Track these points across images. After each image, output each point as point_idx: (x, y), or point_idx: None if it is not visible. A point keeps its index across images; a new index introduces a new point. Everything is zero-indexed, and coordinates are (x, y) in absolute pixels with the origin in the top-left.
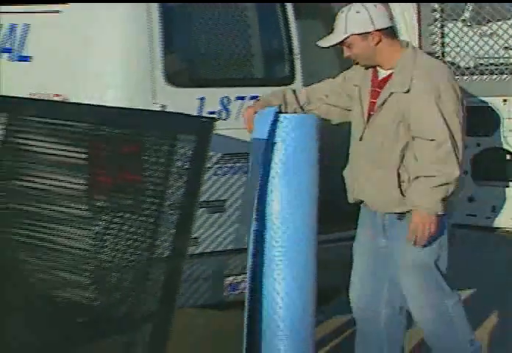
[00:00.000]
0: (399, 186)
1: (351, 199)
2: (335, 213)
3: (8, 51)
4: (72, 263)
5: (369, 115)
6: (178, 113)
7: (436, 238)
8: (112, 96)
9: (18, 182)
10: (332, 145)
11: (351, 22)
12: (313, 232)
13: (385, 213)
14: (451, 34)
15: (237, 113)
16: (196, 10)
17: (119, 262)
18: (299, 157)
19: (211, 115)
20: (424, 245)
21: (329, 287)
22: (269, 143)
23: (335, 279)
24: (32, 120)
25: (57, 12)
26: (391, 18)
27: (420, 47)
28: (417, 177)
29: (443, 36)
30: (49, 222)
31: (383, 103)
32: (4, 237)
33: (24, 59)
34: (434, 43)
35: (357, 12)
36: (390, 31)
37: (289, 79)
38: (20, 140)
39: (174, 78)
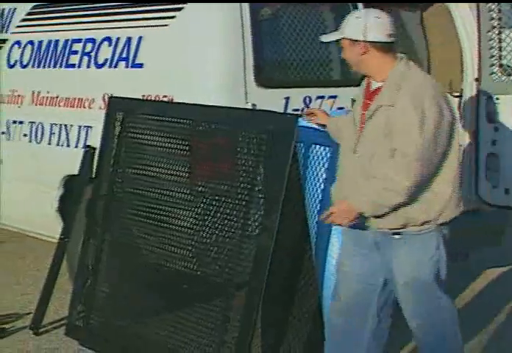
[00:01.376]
0: None
1: None
2: None
3: (125, 59)
4: (178, 239)
5: (361, 127)
6: (267, 110)
7: (433, 254)
8: (211, 97)
9: (132, 170)
10: None
11: (348, 25)
12: None
13: (377, 230)
14: (507, 40)
15: None
16: (281, 20)
17: (217, 238)
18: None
19: (295, 112)
20: (423, 263)
21: None
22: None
23: None
24: (143, 118)
25: (166, 25)
26: (392, 34)
27: (479, 51)
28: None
29: (500, 41)
30: (159, 204)
31: (371, 115)
32: (122, 216)
33: (138, 66)
34: (491, 48)
35: (357, 18)
36: (384, 46)
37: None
38: (134, 135)
39: (263, 80)
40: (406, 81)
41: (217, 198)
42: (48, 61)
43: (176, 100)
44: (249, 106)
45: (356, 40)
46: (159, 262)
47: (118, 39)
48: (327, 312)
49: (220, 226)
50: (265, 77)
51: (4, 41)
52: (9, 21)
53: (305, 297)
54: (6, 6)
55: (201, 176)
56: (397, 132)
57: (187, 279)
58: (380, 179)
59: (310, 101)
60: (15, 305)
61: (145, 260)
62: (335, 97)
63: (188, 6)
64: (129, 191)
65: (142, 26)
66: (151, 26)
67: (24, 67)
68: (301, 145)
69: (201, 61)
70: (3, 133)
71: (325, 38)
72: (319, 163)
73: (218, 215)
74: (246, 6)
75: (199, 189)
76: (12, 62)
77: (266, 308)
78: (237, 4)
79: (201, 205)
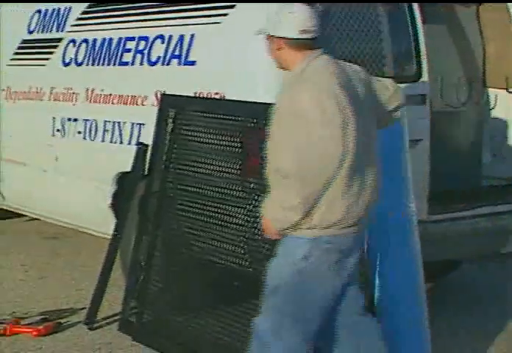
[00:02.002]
0: None
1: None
2: None
3: (177, 57)
4: (230, 236)
5: None
6: None
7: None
8: (260, 94)
9: (184, 167)
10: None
11: (268, 20)
12: (410, 210)
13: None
14: None
15: None
16: (333, 18)
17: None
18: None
19: None
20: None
21: None
22: None
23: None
24: (195, 115)
25: (218, 23)
26: (307, 30)
27: None
28: None
29: None
30: (210, 201)
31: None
32: (174, 213)
33: (190, 63)
34: None
35: (275, 13)
36: (296, 42)
37: (416, 77)
38: (186, 132)
39: None
40: (299, 82)
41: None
42: (102, 59)
43: (227, 97)
44: None
45: (272, 36)
46: (211, 259)
47: (170, 37)
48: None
49: None
50: None
51: (59, 40)
52: (65, 21)
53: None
54: (62, 5)
55: (252, 172)
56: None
57: (238, 276)
58: (275, 199)
59: None
60: (70, 300)
61: (197, 257)
62: None
63: (239, 5)
64: (181, 188)
65: (194, 24)
66: (204, 23)
67: (79, 65)
68: None
69: (251, 58)
70: (58, 130)
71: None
72: None
73: None
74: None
75: (251, 185)
76: (67, 61)
77: None
78: None
79: (253, 202)
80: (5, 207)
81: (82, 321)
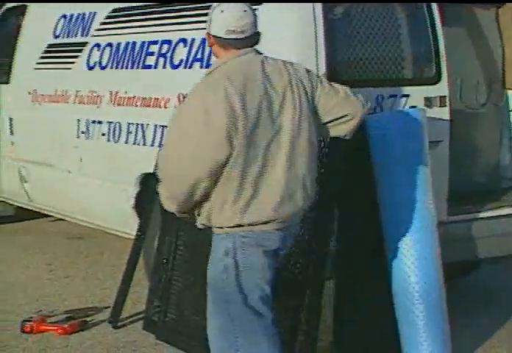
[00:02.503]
0: None
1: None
2: None
3: (199, 60)
4: None
5: None
6: None
7: (221, 259)
8: None
9: None
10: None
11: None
12: (430, 212)
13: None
14: None
15: (388, 110)
16: (354, 20)
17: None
18: (408, 147)
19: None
20: (211, 263)
21: None
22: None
23: None
24: None
25: None
26: (234, 30)
27: None
28: None
29: None
30: None
31: None
32: None
33: None
34: None
35: (211, 10)
36: (222, 41)
37: (436, 79)
38: None
39: (335, 80)
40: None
41: None
42: (125, 62)
43: None
44: None
45: (207, 33)
46: None
47: (193, 40)
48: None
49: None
50: (338, 76)
51: (84, 44)
52: (89, 25)
53: (376, 296)
54: (87, 10)
55: None
56: None
57: None
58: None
59: (383, 99)
60: (95, 299)
61: None
62: (407, 96)
63: (262, 7)
64: None
65: None
66: None
67: (103, 68)
68: None
69: None
70: (82, 132)
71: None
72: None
73: None
74: (318, 6)
75: None
76: (91, 64)
77: (339, 307)
78: (310, 5)
79: None
80: (31, 208)
81: (106, 319)
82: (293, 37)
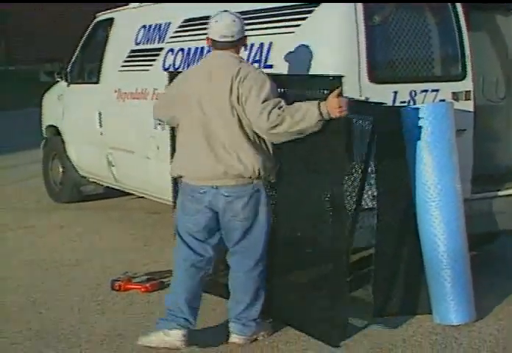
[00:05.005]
0: None
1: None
2: None
3: (258, 61)
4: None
5: None
6: (375, 102)
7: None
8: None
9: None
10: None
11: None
12: (457, 190)
13: None
14: None
15: (421, 103)
16: (391, 23)
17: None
18: (437, 135)
19: (402, 105)
20: None
21: None
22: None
23: None
24: None
25: (293, 32)
26: (225, 35)
27: None
28: None
29: None
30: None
31: None
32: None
33: (269, 66)
34: None
35: (211, 19)
36: (215, 44)
37: (462, 76)
38: None
39: (375, 77)
40: None
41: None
42: (195, 65)
43: None
44: (362, 99)
45: (207, 37)
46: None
47: (252, 44)
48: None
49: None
50: (377, 74)
51: (160, 49)
52: (165, 33)
53: (410, 261)
54: (163, 21)
55: (321, 157)
56: None
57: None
58: None
59: (415, 94)
60: (169, 264)
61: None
62: (437, 91)
63: (312, 15)
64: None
65: (272, 34)
66: (280, 33)
67: (176, 70)
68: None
69: (321, 61)
70: (159, 124)
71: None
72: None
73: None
74: (360, 11)
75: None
76: (166, 66)
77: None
78: (353, 10)
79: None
80: (117, 187)
81: None
82: (337, 41)
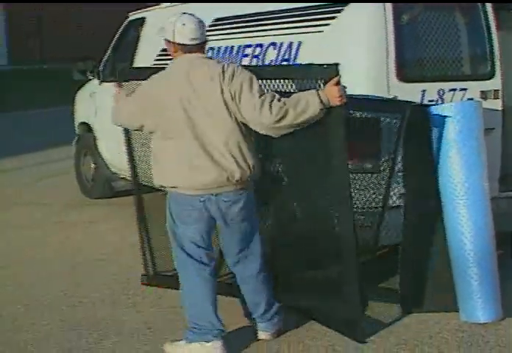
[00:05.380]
0: None
1: None
2: None
3: (287, 60)
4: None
5: None
6: (404, 100)
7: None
8: (359, 90)
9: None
10: None
11: (165, 28)
12: (484, 189)
13: None
14: None
15: (449, 102)
16: (419, 23)
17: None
18: (466, 133)
19: (431, 103)
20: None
21: None
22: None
23: None
24: None
25: (322, 31)
26: (194, 38)
27: None
28: None
29: None
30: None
31: None
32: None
33: (298, 65)
34: None
35: (170, 23)
36: (186, 47)
37: (490, 75)
38: None
39: (403, 76)
40: None
41: (363, 175)
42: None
43: None
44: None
45: (169, 41)
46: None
47: (281, 44)
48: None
49: (369, 198)
50: (405, 73)
51: None
52: None
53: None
54: None
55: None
56: None
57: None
58: None
59: (443, 93)
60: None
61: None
62: (465, 89)
63: (340, 15)
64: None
65: (301, 33)
66: (309, 32)
67: None
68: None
69: (350, 60)
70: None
71: (157, 34)
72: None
73: (368, 186)
74: (389, 11)
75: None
76: None
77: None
78: (382, 10)
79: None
80: (147, 184)
81: None
82: (365, 40)
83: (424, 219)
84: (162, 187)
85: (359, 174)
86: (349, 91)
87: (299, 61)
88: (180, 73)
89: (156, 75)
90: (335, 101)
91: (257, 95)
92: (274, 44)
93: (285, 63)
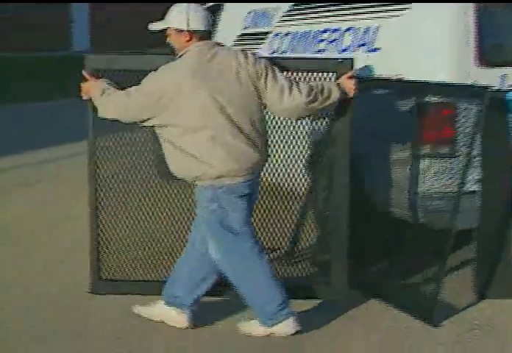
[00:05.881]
0: None
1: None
2: None
3: (364, 45)
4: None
5: None
6: (483, 86)
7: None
8: (438, 76)
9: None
10: None
11: (173, 17)
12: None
13: None
14: None
15: None
16: (498, 9)
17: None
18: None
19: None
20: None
21: None
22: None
23: None
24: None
25: (399, 16)
26: (209, 24)
27: None
28: None
29: None
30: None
31: None
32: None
33: (375, 50)
34: None
35: (180, 12)
36: (199, 34)
37: None
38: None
39: (483, 61)
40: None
41: (439, 159)
42: (301, 48)
43: (406, 78)
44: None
45: (181, 30)
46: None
47: (358, 29)
48: None
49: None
50: (485, 58)
51: (266, 33)
52: (272, 18)
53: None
54: (270, 8)
55: (427, 141)
56: None
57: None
58: None
59: None
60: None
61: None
62: None
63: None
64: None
65: (378, 18)
66: (386, 17)
67: (282, 53)
68: None
69: (429, 45)
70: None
71: (152, 27)
72: None
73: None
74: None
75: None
76: (273, 49)
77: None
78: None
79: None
80: None
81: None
82: (446, 25)
83: (501, 204)
84: (198, 179)
85: (435, 159)
86: (429, 77)
87: (376, 45)
88: (203, 60)
89: (172, 65)
90: (351, 92)
91: (283, 78)
92: (350, 29)
93: (362, 48)
